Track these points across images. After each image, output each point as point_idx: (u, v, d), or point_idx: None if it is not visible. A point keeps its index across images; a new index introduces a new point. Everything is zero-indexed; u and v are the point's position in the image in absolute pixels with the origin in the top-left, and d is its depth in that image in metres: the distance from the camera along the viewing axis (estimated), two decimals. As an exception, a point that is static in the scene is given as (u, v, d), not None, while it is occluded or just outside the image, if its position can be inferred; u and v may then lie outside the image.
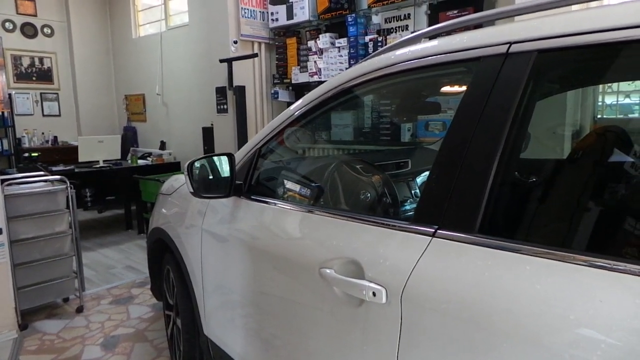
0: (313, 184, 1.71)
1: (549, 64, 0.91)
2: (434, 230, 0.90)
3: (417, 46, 1.10)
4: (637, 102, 2.61)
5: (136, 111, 6.77)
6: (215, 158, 1.59)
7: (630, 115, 2.66)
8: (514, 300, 0.73)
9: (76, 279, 3.05)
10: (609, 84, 2.35)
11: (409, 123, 3.20)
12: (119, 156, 5.16)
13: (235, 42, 4.41)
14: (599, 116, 2.61)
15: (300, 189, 1.69)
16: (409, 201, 1.91)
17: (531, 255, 0.75)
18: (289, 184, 1.70)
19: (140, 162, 5.35)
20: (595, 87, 2.39)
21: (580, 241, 0.92)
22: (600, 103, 2.67)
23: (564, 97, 2.26)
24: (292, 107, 1.50)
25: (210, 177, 1.59)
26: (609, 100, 2.70)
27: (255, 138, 1.64)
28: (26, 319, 2.80)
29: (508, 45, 0.88)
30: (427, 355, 0.86)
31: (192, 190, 1.51)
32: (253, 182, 1.62)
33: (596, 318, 0.65)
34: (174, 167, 5.39)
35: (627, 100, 2.64)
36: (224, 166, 1.58)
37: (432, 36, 1.16)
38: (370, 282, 0.95)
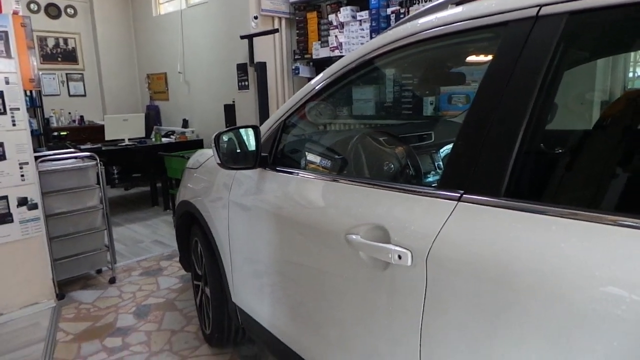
0: (337, 156, 1.73)
1: (581, 26, 0.89)
2: (459, 195, 0.91)
3: (443, 13, 1.09)
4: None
5: (158, 90, 6.85)
6: (241, 130, 1.62)
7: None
8: (539, 259, 0.75)
9: (108, 252, 3.18)
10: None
11: (432, 97, 3.16)
12: (143, 134, 5.26)
13: (256, 18, 4.40)
14: (629, 86, 2.53)
15: (324, 161, 1.72)
16: (432, 173, 1.92)
17: (557, 217, 0.76)
18: (313, 156, 1.72)
19: (164, 140, 5.45)
20: (629, 54, 2.31)
21: (607, 204, 0.92)
22: (631, 73, 2.58)
23: (595, 64, 2.20)
24: (315, 80, 1.51)
25: (237, 150, 1.63)
26: (641, 69, 2.60)
27: (279, 111, 1.66)
28: (63, 289, 2.95)
29: (538, 7, 0.87)
30: (452, 315, 0.88)
31: (219, 162, 1.55)
32: (278, 154, 1.65)
33: (621, 275, 0.66)
34: (197, 145, 5.47)
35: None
36: (249, 138, 1.61)
37: (458, 2, 1.15)
38: (396, 245, 0.97)
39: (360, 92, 3.60)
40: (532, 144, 0.86)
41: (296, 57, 4.55)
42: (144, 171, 5.21)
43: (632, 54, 2.43)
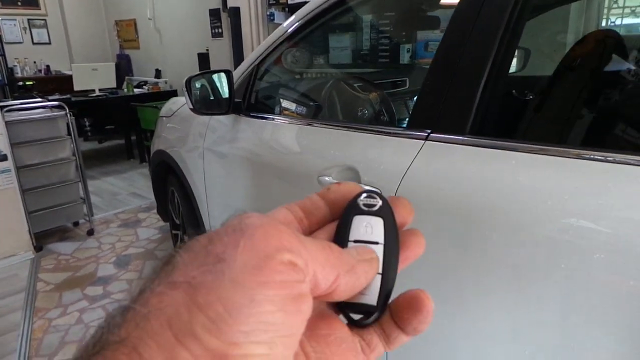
0: (311, 102, 1.72)
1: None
2: (426, 134, 0.93)
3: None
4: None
5: (128, 38, 6.56)
6: (214, 75, 1.59)
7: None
8: (502, 193, 0.79)
9: (84, 204, 3.15)
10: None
11: (409, 44, 3.12)
12: (114, 85, 5.09)
13: (228, -41, 4.18)
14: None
15: (298, 107, 1.71)
16: (405, 119, 1.93)
17: (519, 152, 0.79)
18: (287, 102, 1.71)
19: (137, 90, 5.28)
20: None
21: (571, 139, 0.96)
22: (604, 20, 2.60)
23: (568, 9, 2.19)
24: (288, 21, 1.48)
25: (209, 95, 1.60)
26: (613, 17, 2.62)
27: (251, 55, 1.63)
28: (40, 241, 2.93)
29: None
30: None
31: (191, 107, 1.53)
32: (252, 100, 1.63)
33: (583, 206, 0.70)
34: (170, 95, 5.31)
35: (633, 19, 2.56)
36: (222, 83, 1.58)
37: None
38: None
39: (337, 40, 3.52)
40: (497, 83, 0.88)
41: (271, 2, 4.37)
42: (117, 123, 5.08)
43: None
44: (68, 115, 2.91)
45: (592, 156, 0.72)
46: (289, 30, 1.46)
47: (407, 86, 2.09)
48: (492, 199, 0.79)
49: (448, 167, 0.87)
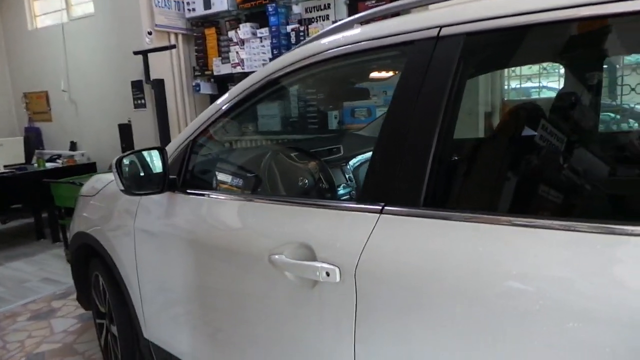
0: (250, 174, 1.69)
1: (476, 45, 0.98)
2: (381, 207, 0.94)
3: (351, 31, 1.13)
4: (536, 85, 2.90)
5: (39, 110, 6.17)
6: (145, 153, 1.51)
7: (533, 97, 2.95)
8: (456, 264, 0.80)
9: (-15, 298, 2.75)
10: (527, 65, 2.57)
11: (336, 111, 3.26)
12: (23, 160, 4.69)
13: (150, 33, 4.19)
14: (506, 98, 2.86)
15: (238, 181, 1.67)
16: (342, 185, 1.96)
17: (466, 222, 0.82)
18: (226, 176, 1.67)
19: (49, 165, 4.91)
20: (507, 70, 2.61)
21: (506, 206, 1.02)
22: (515, 85, 2.94)
23: (477, 78, 2.44)
24: (222, 99, 1.47)
25: (141, 173, 1.51)
26: (514, 83, 2.98)
27: (185, 131, 1.58)
28: None
29: (439, 28, 0.93)
30: (382, 327, 0.90)
31: (122, 188, 1.43)
32: (188, 177, 1.56)
33: (519, 270, 0.73)
34: (88, 169, 5.01)
35: (529, 84, 2.93)
36: (154, 161, 1.51)
37: (363, 22, 1.20)
38: (323, 262, 0.97)
39: (267, 108, 3.59)
40: (445, 154, 0.92)
41: (196, 73, 4.41)
42: (26, 201, 4.63)
43: (506, 70, 2.75)
44: (-32, 198, 2.59)
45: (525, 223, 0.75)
46: (224, 108, 1.44)
47: (342, 152, 2.14)
48: (452, 272, 0.80)
49: (406, 241, 0.87)
